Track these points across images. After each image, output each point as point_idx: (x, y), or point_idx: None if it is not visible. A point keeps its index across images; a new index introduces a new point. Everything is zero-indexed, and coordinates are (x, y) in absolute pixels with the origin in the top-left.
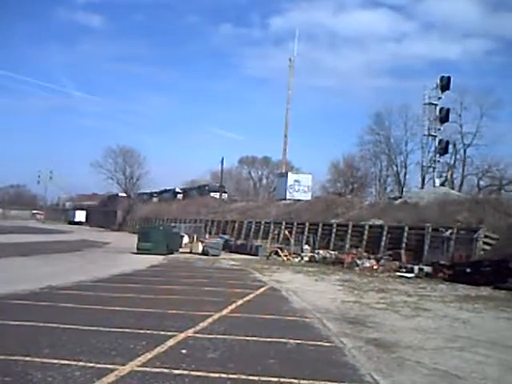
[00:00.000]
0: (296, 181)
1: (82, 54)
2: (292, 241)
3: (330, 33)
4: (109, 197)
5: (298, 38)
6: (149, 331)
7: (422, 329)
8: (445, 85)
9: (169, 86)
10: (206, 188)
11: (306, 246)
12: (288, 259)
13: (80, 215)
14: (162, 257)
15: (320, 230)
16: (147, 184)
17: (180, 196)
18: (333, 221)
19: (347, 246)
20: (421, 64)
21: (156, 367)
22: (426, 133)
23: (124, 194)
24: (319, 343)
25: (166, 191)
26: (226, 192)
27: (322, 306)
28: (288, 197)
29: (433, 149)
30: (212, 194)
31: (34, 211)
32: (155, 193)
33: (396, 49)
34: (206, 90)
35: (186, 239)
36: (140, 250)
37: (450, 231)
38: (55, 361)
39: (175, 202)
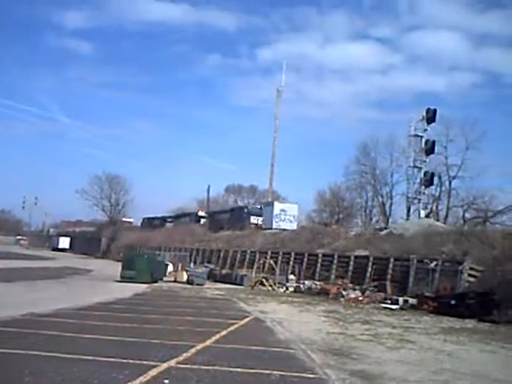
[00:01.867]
0: (282, 210)
1: (70, 80)
2: (277, 271)
3: (317, 64)
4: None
5: (286, 69)
6: (131, 360)
7: (407, 361)
8: (431, 117)
9: (156, 113)
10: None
11: (292, 276)
12: (273, 289)
13: (64, 242)
14: (146, 285)
15: (305, 259)
16: (132, 211)
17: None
18: (318, 251)
19: (333, 276)
20: (407, 96)
21: None
22: (412, 164)
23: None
24: (303, 375)
25: (184, 215)
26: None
27: (306, 337)
28: (274, 226)
29: (418, 180)
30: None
31: (19, 237)
32: (170, 217)
33: (382, 81)
34: (193, 118)
35: (170, 268)
36: (124, 278)
37: (434, 263)
38: None
39: (161, 230)
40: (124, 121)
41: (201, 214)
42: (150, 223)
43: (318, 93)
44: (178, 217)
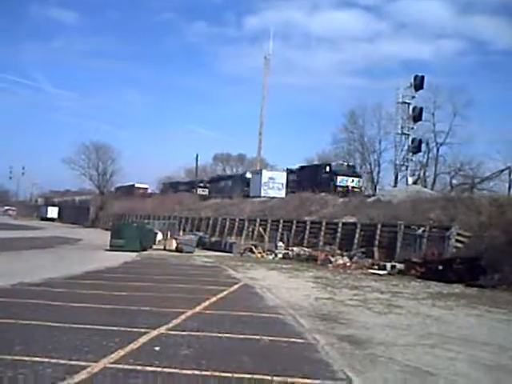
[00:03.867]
0: (270, 178)
1: (56, 50)
2: (266, 238)
3: (305, 32)
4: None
5: (273, 37)
6: (122, 328)
7: (395, 326)
8: (418, 84)
9: (144, 82)
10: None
11: (280, 243)
12: (262, 256)
13: (52, 211)
14: (135, 254)
15: (294, 227)
16: (120, 180)
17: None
18: (307, 218)
19: (321, 243)
20: (394, 64)
21: (129, 364)
22: (400, 131)
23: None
24: (292, 340)
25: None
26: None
27: (295, 303)
28: (262, 194)
29: (406, 147)
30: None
31: (6, 207)
32: (183, 183)
33: (369, 49)
34: (181, 87)
35: (159, 236)
36: (113, 247)
37: (422, 229)
38: (27, 358)
39: (150, 199)
40: (111, 90)
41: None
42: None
43: (306, 61)
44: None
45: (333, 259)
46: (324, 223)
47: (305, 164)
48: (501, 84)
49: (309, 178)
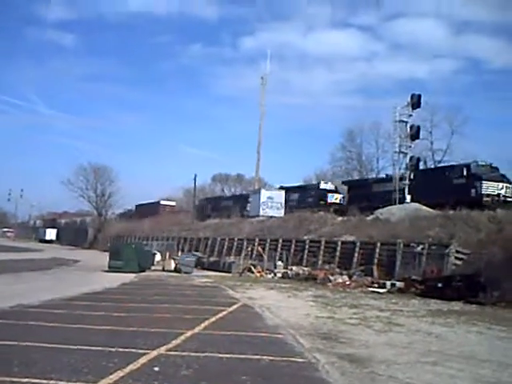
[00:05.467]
0: (269, 197)
1: (52, 72)
2: (265, 257)
3: (300, 53)
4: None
5: (270, 57)
6: (121, 349)
7: (395, 344)
8: (415, 103)
9: (140, 104)
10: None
11: (279, 263)
12: (261, 276)
13: (51, 233)
14: (134, 275)
15: (293, 246)
16: (119, 202)
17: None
18: (306, 237)
19: (320, 262)
20: (390, 83)
21: None
22: (397, 150)
23: (168, 203)
24: (292, 359)
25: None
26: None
27: (295, 322)
28: (261, 213)
29: (404, 165)
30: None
31: (5, 229)
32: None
33: (365, 68)
34: (177, 108)
35: (158, 257)
36: (111, 268)
37: (421, 246)
38: (25, 380)
39: (147, 220)
40: (107, 112)
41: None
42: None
43: (302, 81)
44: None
45: (332, 278)
46: (323, 242)
47: (424, 167)
48: (497, 102)
49: (430, 185)
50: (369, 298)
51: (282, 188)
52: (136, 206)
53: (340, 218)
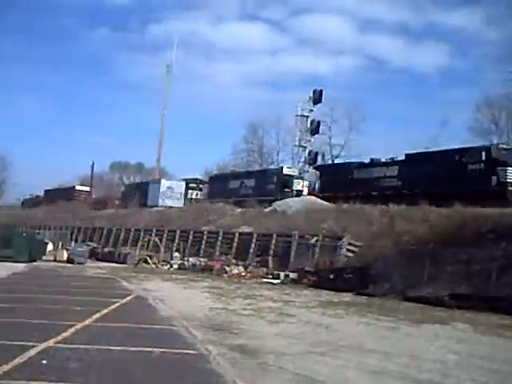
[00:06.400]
0: (169, 187)
1: None
2: (162, 248)
3: (209, 43)
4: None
5: (177, 46)
6: (8, 342)
7: (286, 334)
8: (317, 98)
9: (40, 87)
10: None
11: (176, 254)
12: (157, 267)
13: None
14: (24, 264)
15: (191, 237)
16: (11, 189)
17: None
18: (204, 228)
19: (217, 253)
20: (295, 78)
21: (14, 379)
22: (297, 143)
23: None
24: (184, 351)
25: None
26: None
27: (189, 314)
28: (160, 204)
29: (303, 159)
30: None
31: None
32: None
33: (271, 62)
34: (80, 93)
35: (50, 246)
36: (0, 257)
37: (315, 238)
38: None
39: (40, 208)
40: (5, 95)
41: None
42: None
43: (209, 71)
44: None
45: (228, 269)
46: (221, 233)
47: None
48: (396, 100)
49: (438, 172)
50: (263, 289)
51: (233, 173)
52: (45, 191)
53: (239, 210)
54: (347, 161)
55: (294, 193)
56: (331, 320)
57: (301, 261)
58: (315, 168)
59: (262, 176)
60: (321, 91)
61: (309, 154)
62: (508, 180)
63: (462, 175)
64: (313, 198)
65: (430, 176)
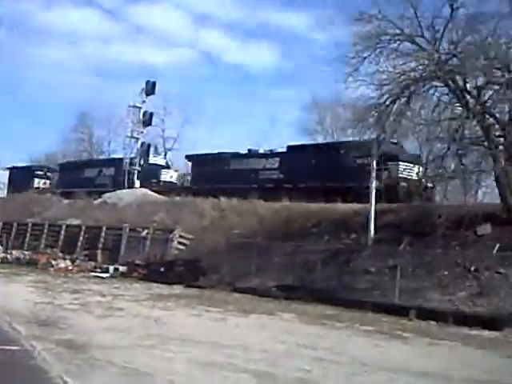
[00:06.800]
0: None
1: None
2: None
3: (40, 26)
4: None
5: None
6: None
7: (115, 328)
8: (150, 89)
9: None
10: None
11: None
12: None
13: None
14: None
15: (14, 229)
16: None
17: None
18: (28, 220)
19: (42, 246)
20: (128, 67)
21: None
22: (129, 135)
23: None
24: (7, 347)
25: None
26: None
27: (12, 309)
28: None
29: (135, 151)
30: None
31: None
32: None
33: (105, 50)
34: None
35: None
36: None
37: (146, 231)
38: None
39: None
40: None
41: None
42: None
43: (41, 55)
44: None
45: (54, 263)
46: (46, 225)
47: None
48: (229, 96)
49: (323, 166)
50: (91, 283)
51: (90, 161)
52: None
53: (66, 201)
54: (223, 150)
55: (162, 184)
56: (161, 313)
57: (131, 254)
58: (186, 157)
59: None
60: (154, 82)
61: (141, 145)
62: (400, 175)
63: (349, 170)
64: (144, 190)
65: (315, 169)
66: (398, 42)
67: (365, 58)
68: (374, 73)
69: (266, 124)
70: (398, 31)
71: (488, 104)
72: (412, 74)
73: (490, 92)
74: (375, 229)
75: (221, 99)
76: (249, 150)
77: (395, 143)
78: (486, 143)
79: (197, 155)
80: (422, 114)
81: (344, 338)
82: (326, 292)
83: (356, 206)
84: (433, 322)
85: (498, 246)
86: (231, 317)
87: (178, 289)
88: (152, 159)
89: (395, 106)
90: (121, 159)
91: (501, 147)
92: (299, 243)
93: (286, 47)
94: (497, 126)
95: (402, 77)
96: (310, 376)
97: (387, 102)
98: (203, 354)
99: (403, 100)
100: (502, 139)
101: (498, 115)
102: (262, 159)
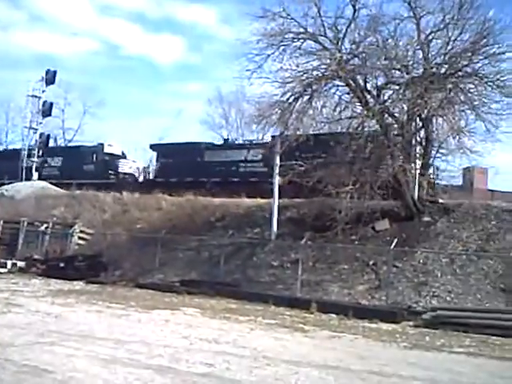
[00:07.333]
0: None
1: None
2: None
3: None
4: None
5: None
6: None
7: (13, 325)
8: (50, 79)
9: None
10: None
11: None
12: None
13: None
14: None
15: None
16: None
17: None
18: None
19: None
20: (28, 56)
21: None
22: (28, 125)
23: None
24: None
25: None
26: None
27: None
28: None
29: (34, 142)
30: None
31: None
32: None
33: (4, 37)
34: None
35: None
36: None
37: (45, 226)
38: None
39: None
40: None
41: None
42: None
43: None
44: None
45: None
46: None
47: None
48: (133, 88)
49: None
50: None
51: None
52: None
53: None
54: (194, 140)
55: (121, 176)
56: (61, 309)
57: (30, 249)
58: (151, 147)
59: (74, 154)
60: (54, 72)
61: (40, 136)
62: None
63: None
64: (43, 183)
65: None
66: (302, 41)
67: (269, 55)
68: (277, 70)
69: (172, 117)
70: (301, 30)
71: (387, 104)
72: (314, 72)
73: (390, 92)
74: (278, 224)
75: (125, 91)
76: (225, 140)
77: None
78: (385, 142)
79: (164, 144)
80: (323, 112)
81: (247, 331)
82: (229, 286)
83: (261, 200)
84: (333, 315)
85: (395, 241)
86: (134, 312)
87: (78, 285)
88: (107, 148)
89: (298, 104)
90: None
91: (399, 145)
92: (204, 237)
93: (193, 41)
94: (395, 126)
95: (305, 75)
96: (213, 370)
97: (290, 100)
98: (105, 351)
99: (306, 98)
100: (400, 138)
101: (396, 115)
102: (243, 150)
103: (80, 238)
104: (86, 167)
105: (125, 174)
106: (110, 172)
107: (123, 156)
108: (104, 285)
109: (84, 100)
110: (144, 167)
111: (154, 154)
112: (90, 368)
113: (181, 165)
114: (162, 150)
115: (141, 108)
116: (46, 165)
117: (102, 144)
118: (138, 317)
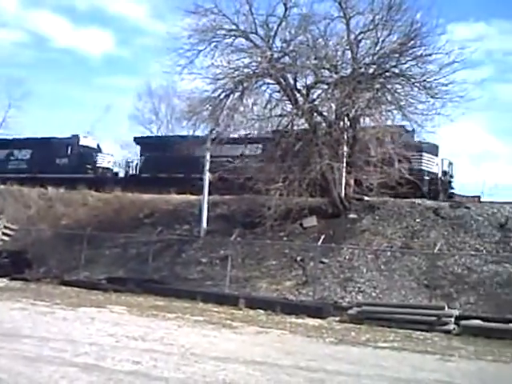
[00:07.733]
0: None
1: None
2: None
3: None
4: None
5: None
6: None
7: None
8: None
9: None
10: None
11: None
12: None
13: None
14: None
15: None
16: None
17: None
18: None
19: None
20: None
21: None
22: None
23: None
24: None
25: None
26: None
27: None
28: None
29: None
30: None
31: None
32: None
33: None
34: None
35: None
36: None
37: None
38: None
39: None
40: None
41: None
42: None
43: None
44: None
45: None
46: None
47: None
48: (61, 81)
49: None
50: None
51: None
52: None
53: None
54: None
55: (100, 171)
56: None
57: None
58: (135, 140)
59: (45, 146)
60: None
61: None
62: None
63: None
64: None
65: None
66: (233, 38)
67: (200, 51)
68: (208, 66)
69: (100, 111)
70: (233, 27)
71: (316, 102)
72: (245, 70)
73: (319, 91)
74: (208, 220)
75: (53, 84)
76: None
77: None
78: (313, 140)
79: (150, 137)
80: (254, 110)
81: (174, 328)
82: (157, 283)
83: (191, 197)
84: (261, 311)
85: (322, 237)
86: (59, 310)
87: (1, 281)
88: (83, 140)
89: (229, 101)
90: (43, 139)
91: (327, 144)
92: (131, 234)
93: (123, 35)
94: (324, 124)
95: (236, 72)
96: (140, 367)
97: (221, 96)
98: (29, 349)
99: (237, 95)
100: (328, 136)
101: (325, 114)
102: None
103: (4, 233)
104: (58, 160)
105: (103, 168)
106: (87, 166)
107: (99, 149)
108: (28, 282)
109: (9, 93)
110: (127, 161)
111: (138, 147)
112: (14, 366)
113: (166, 159)
114: (147, 143)
115: (69, 102)
116: (11, 157)
117: (77, 135)
118: (64, 314)
